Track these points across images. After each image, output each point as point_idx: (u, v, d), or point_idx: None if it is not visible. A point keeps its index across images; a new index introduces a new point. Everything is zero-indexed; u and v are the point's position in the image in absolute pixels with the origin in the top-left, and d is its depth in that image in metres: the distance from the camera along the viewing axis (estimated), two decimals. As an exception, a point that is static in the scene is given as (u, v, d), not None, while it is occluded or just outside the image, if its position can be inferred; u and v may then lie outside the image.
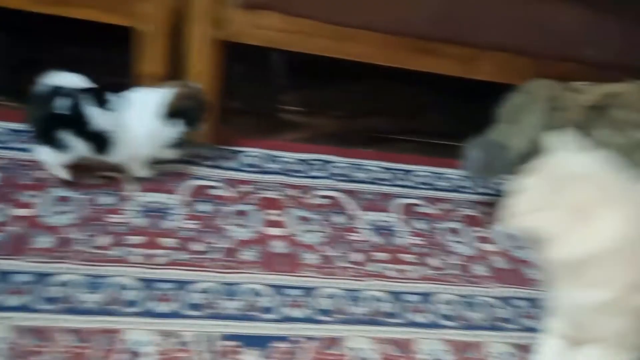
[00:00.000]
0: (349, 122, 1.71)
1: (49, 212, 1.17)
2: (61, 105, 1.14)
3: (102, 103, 1.17)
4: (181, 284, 1.11)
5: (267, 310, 1.11)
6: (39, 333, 0.96)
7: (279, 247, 1.25)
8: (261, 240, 1.25)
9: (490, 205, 1.46)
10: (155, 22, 1.30)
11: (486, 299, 1.26)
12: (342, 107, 1.75)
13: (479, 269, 1.33)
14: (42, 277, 1.05)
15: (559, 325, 0.98)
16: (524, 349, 1.15)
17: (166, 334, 1.02)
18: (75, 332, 0.98)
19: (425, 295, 1.23)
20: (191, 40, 1.32)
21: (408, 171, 1.56)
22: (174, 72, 1.35)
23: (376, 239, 1.33)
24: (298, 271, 1.20)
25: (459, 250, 1.36)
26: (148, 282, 1.09)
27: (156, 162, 1.31)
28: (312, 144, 1.55)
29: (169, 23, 1.31)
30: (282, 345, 1.06)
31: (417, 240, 1.35)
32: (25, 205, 1.17)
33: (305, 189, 1.41)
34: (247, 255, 1.21)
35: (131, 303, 1.05)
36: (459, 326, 1.18)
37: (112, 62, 1.42)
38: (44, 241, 1.11)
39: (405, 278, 1.25)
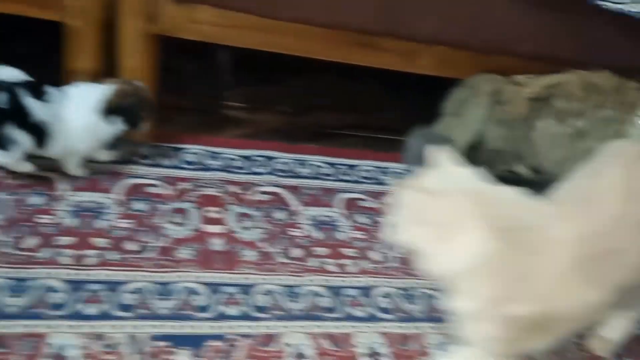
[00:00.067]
0: (295, 117, 1.70)
1: (-28, 214, 1.13)
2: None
3: (39, 95, 1.15)
4: (112, 285, 1.08)
5: (203, 309, 1.09)
6: (-43, 340, 0.93)
7: (217, 244, 1.22)
8: (199, 238, 1.22)
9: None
10: (86, 17, 1.27)
11: (426, 291, 1.26)
12: (288, 102, 1.74)
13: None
14: (-38, 281, 1.01)
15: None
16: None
17: (94, 337, 0.99)
18: (-4, 337, 0.94)
19: (365, 289, 1.23)
20: (124, 35, 1.28)
21: (352, 166, 1.55)
22: (109, 68, 1.32)
23: (317, 234, 1.32)
24: (236, 269, 1.19)
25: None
26: (77, 284, 1.06)
27: (94, 162, 1.28)
28: (256, 140, 1.54)
29: (101, 18, 1.28)
30: (217, 343, 1.04)
31: (359, 235, 1.35)
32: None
33: (246, 185, 1.39)
34: (184, 253, 1.18)
35: (58, 306, 1.02)
36: (397, 319, 1.18)
37: (44, 58, 1.38)
38: (-35, 244, 1.07)
39: (345, 272, 1.25)
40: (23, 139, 1.14)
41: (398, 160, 1.50)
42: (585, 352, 1.19)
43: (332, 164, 1.53)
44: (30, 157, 1.19)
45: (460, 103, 1.49)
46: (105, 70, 1.32)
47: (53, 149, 1.20)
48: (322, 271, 1.23)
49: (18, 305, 1.00)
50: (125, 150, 1.35)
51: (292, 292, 1.17)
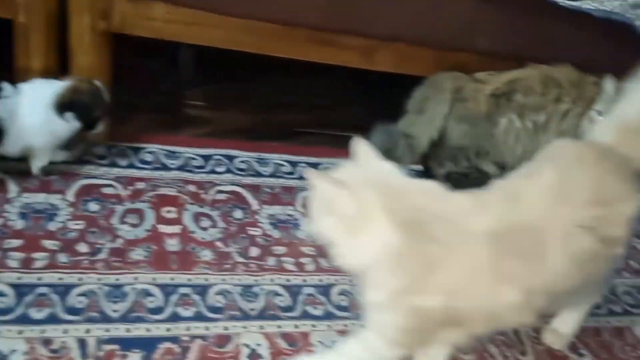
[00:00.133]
0: (258, 116, 1.68)
1: None
2: None
3: None
4: (60, 288, 1.05)
5: (156, 310, 1.07)
6: None
7: (173, 245, 1.20)
8: (154, 238, 1.20)
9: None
10: (37, 14, 1.24)
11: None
12: (252, 101, 1.72)
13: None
14: None
15: None
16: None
17: (39, 341, 0.96)
18: None
19: (322, 287, 1.22)
20: (75, 33, 1.26)
21: (315, 164, 1.54)
22: (65, 66, 1.29)
23: (277, 233, 1.30)
24: (192, 269, 1.17)
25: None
26: (23, 288, 1.03)
27: (49, 163, 1.25)
28: (217, 139, 1.52)
29: (54, 15, 1.25)
30: (170, 346, 1.02)
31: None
32: None
33: (205, 184, 1.37)
34: (137, 254, 1.16)
35: (1, 311, 0.99)
36: (354, 316, 1.17)
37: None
38: None
39: (303, 271, 1.24)
40: None
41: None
42: (541, 346, 1.20)
43: (293, 163, 1.52)
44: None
45: (422, 100, 1.48)
46: (60, 69, 1.29)
47: (8, 147, 1.16)
48: (280, 270, 1.22)
49: (-40, 311, 0.97)
50: (81, 151, 1.32)
51: (249, 292, 1.16)
